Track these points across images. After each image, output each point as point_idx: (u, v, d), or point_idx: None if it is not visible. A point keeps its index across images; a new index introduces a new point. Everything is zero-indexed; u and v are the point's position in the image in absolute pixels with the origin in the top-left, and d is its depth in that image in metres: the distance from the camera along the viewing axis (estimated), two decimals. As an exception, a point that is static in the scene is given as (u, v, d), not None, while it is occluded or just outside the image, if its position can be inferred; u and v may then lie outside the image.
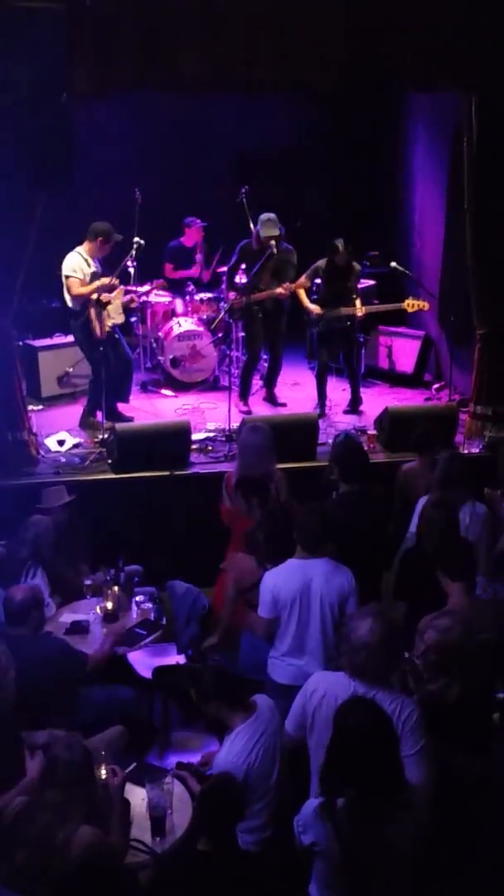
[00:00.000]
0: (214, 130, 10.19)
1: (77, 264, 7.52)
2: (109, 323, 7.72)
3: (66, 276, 7.48)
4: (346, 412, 8.44)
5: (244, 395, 8.34)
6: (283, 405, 8.53)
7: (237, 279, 8.29)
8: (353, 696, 3.52)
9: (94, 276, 7.61)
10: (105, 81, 6.23)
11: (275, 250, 7.81)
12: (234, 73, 6.46)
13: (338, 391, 8.70)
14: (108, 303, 7.58)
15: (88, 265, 7.59)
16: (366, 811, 3.07)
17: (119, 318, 7.98)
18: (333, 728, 3.23)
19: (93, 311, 7.50)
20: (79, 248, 7.60)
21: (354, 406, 8.48)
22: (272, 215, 7.89)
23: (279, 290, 7.97)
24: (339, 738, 3.16)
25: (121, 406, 8.09)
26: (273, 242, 7.83)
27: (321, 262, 8.16)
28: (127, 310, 8.37)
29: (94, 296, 7.50)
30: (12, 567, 5.38)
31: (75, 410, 8.19)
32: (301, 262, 8.18)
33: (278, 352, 8.43)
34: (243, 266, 8.19)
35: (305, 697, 3.74)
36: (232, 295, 8.19)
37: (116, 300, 7.78)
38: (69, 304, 7.60)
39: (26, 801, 3.48)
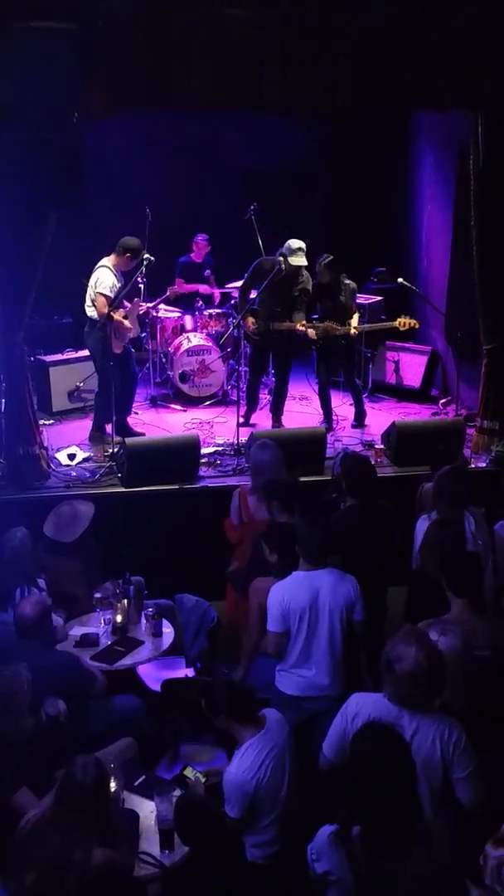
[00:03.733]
0: (223, 149, 10.25)
1: (111, 282, 7.53)
2: (128, 336, 7.76)
3: (99, 293, 7.48)
4: (353, 426, 8.43)
5: (249, 412, 8.25)
6: None
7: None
8: (390, 721, 3.43)
9: (121, 290, 7.64)
10: (116, 101, 6.24)
11: (283, 268, 7.75)
12: (242, 94, 6.47)
13: (344, 406, 8.69)
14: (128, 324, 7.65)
15: (118, 281, 7.63)
16: (381, 841, 2.97)
17: (136, 332, 7.99)
18: (350, 753, 3.17)
19: (111, 328, 7.51)
20: (107, 262, 7.62)
21: (360, 420, 8.48)
22: (301, 243, 7.69)
23: (299, 326, 7.80)
24: (356, 764, 3.08)
25: (130, 420, 8.10)
26: (282, 261, 7.76)
27: (312, 284, 8.14)
28: (141, 323, 8.36)
29: (118, 315, 7.53)
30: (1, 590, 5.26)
31: (86, 425, 8.20)
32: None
33: (285, 379, 8.28)
34: (255, 286, 8.02)
35: (346, 722, 3.59)
36: (250, 320, 7.92)
37: (132, 314, 7.80)
38: (90, 315, 7.60)
39: (38, 821, 3.41)
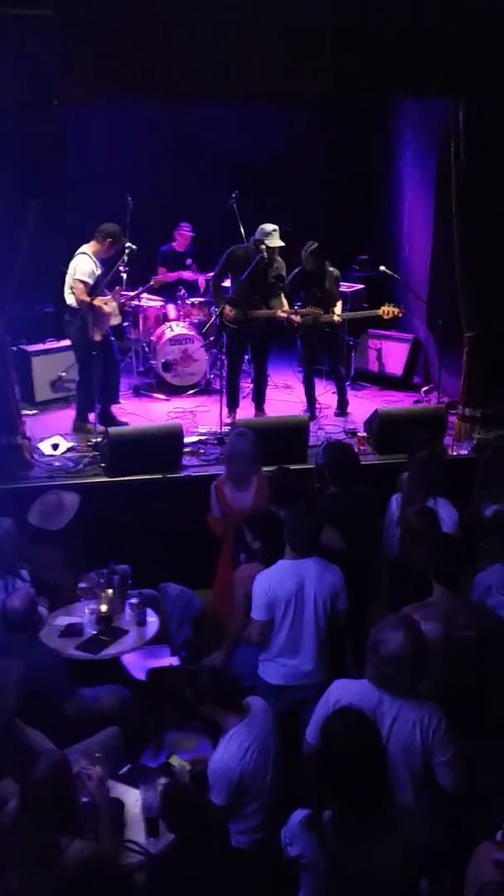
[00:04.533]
0: (205, 136, 10.18)
1: (89, 269, 7.49)
2: (108, 324, 7.73)
3: (77, 279, 7.44)
4: (336, 415, 8.44)
5: (232, 405, 8.17)
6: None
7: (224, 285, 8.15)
8: (371, 706, 3.45)
9: (101, 277, 7.61)
10: (96, 88, 6.21)
11: (265, 255, 7.73)
12: (224, 81, 6.45)
13: (328, 394, 8.70)
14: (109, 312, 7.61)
15: (96, 267, 7.59)
16: (351, 826, 2.99)
17: (116, 320, 7.94)
18: (320, 738, 3.19)
19: (90, 315, 7.48)
20: (86, 249, 7.57)
21: (342, 409, 8.49)
22: (274, 226, 7.66)
23: (281, 313, 7.78)
24: (325, 749, 3.10)
25: (114, 409, 8.07)
26: (264, 249, 7.73)
27: (295, 271, 8.15)
28: (123, 311, 8.30)
29: (97, 302, 7.51)
30: None
31: (69, 415, 8.16)
32: (290, 268, 8.18)
33: (263, 367, 8.23)
34: (229, 274, 7.99)
35: (328, 708, 3.57)
36: (228, 310, 7.82)
37: (113, 302, 7.76)
38: (70, 302, 7.57)
39: (10, 822, 3.38)
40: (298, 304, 8.22)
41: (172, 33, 6.21)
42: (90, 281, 7.49)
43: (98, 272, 7.59)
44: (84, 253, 7.56)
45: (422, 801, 3.53)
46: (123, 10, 6.12)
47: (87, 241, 7.65)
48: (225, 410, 7.90)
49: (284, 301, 7.98)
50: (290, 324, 8.01)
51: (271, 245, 7.59)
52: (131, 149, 9.97)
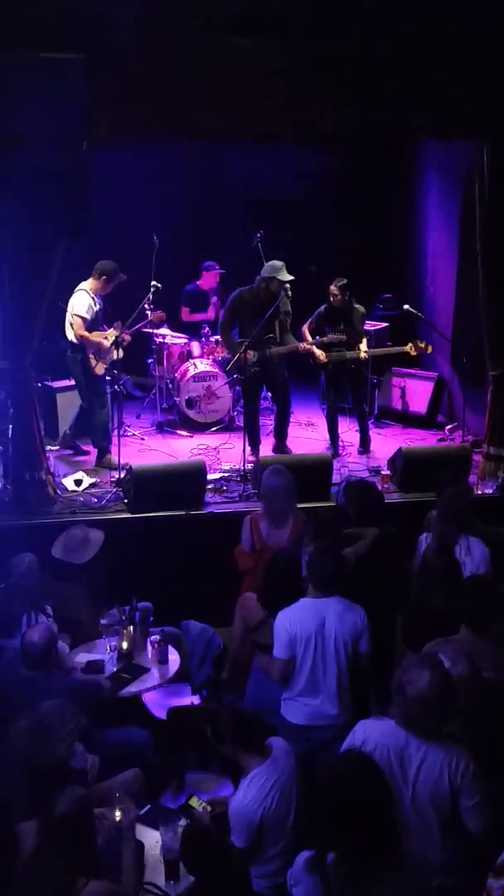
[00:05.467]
0: (228, 176, 10.31)
1: (87, 305, 7.70)
2: (110, 359, 7.85)
3: (76, 315, 7.62)
4: (359, 453, 8.43)
5: (255, 444, 8.13)
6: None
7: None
8: (398, 748, 3.40)
9: (100, 313, 7.81)
10: (123, 129, 6.32)
11: (290, 294, 7.79)
12: (246, 123, 6.55)
13: (350, 432, 8.69)
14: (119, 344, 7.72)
15: (95, 304, 7.77)
16: (354, 868, 2.95)
17: (115, 355, 7.89)
18: (325, 780, 3.16)
19: (91, 349, 7.71)
20: (84, 286, 7.78)
21: (365, 446, 8.48)
22: (282, 262, 7.74)
23: (302, 346, 7.88)
24: (328, 791, 3.06)
25: (113, 448, 8.00)
26: (288, 288, 7.79)
27: (322, 308, 8.20)
28: (120, 346, 8.20)
29: (95, 337, 7.71)
30: (6, 617, 5.24)
31: (92, 451, 8.21)
32: (315, 305, 8.21)
33: (286, 401, 8.20)
34: (236, 321, 7.98)
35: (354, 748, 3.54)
36: (250, 354, 7.71)
37: (112, 336, 7.85)
38: (70, 338, 7.72)
39: (27, 860, 3.34)
40: (317, 338, 8.24)
41: (197, 75, 6.31)
42: (88, 316, 7.69)
43: (97, 308, 7.77)
44: (82, 290, 7.76)
45: (447, 844, 3.46)
46: (150, 53, 6.23)
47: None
48: (248, 448, 7.90)
49: (309, 339, 8.04)
50: (315, 359, 8.03)
51: (284, 279, 7.68)
52: (157, 190, 10.09)
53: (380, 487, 6.58)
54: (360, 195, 10.32)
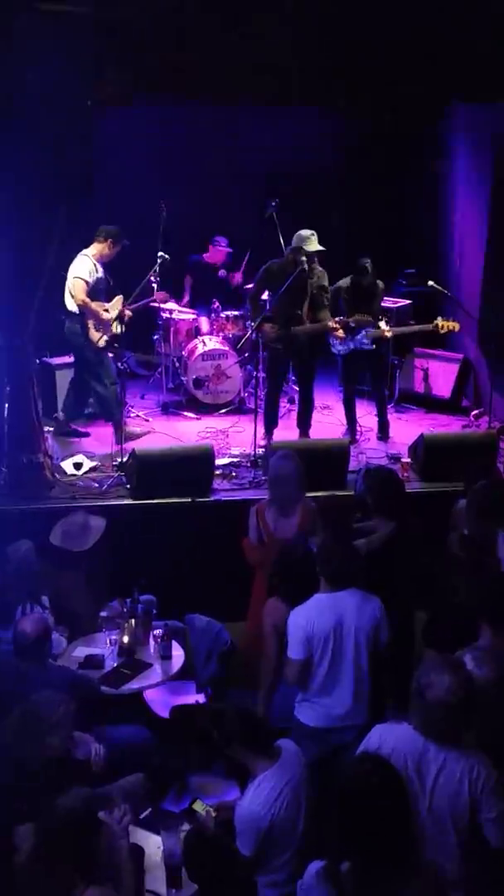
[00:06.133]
0: (243, 143, 10.23)
1: (89, 269, 7.72)
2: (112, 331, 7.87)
3: (77, 278, 7.62)
4: (378, 439, 8.42)
5: (270, 426, 8.13)
6: None
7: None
8: (415, 754, 3.40)
9: (101, 283, 7.79)
10: (132, 88, 6.30)
11: (306, 267, 7.72)
12: (264, 84, 6.51)
13: (369, 417, 8.68)
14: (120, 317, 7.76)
15: (97, 270, 7.79)
16: (370, 878, 2.95)
17: (116, 329, 7.89)
18: (339, 785, 3.16)
19: (92, 318, 7.74)
20: (87, 252, 7.77)
21: (384, 432, 8.47)
22: (313, 231, 7.63)
23: (332, 323, 7.68)
24: (343, 796, 3.07)
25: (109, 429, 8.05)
26: (305, 260, 7.71)
27: (344, 283, 8.16)
28: (124, 321, 8.20)
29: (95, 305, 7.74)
30: (1, 607, 5.25)
31: (94, 431, 8.22)
32: (331, 282, 8.19)
33: (309, 389, 8.15)
34: (268, 292, 7.97)
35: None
36: (267, 327, 7.75)
37: (114, 310, 7.85)
38: (70, 307, 7.74)
39: (23, 864, 3.36)
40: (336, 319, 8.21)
41: (209, 33, 6.28)
42: (90, 279, 7.69)
43: (98, 274, 7.78)
44: (85, 255, 7.78)
45: (465, 857, 3.45)
46: (162, 11, 6.20)
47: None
48: (261, 431, 7.91)
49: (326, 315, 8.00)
50: (334, 339, 8.02)
51: (309, 249, 7.56)
52: (166, 156, 10.05)
53: (400, 475, 6.56)
54: (384, 166, 10.25)
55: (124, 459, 7.31)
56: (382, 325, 8.17)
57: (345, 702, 4.53)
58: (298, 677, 4.58)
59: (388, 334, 8.15)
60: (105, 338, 7.81)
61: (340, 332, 7.85)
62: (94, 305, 7.71)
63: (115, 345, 7.90)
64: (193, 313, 9.46)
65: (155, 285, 8.47)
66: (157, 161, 9.96)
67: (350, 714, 4.53)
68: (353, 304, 8.14)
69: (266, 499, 5.97)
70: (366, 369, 8.41)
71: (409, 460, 7.61)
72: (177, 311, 9.32)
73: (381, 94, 6.67)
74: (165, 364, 9.38)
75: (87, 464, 7.47)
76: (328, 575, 4.65)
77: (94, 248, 7.81)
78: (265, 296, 8.02)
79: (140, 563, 6.29)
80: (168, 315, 9.20)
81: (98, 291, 7.80)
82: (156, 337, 9.40)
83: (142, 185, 9.41)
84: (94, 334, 7.74)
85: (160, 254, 8.02)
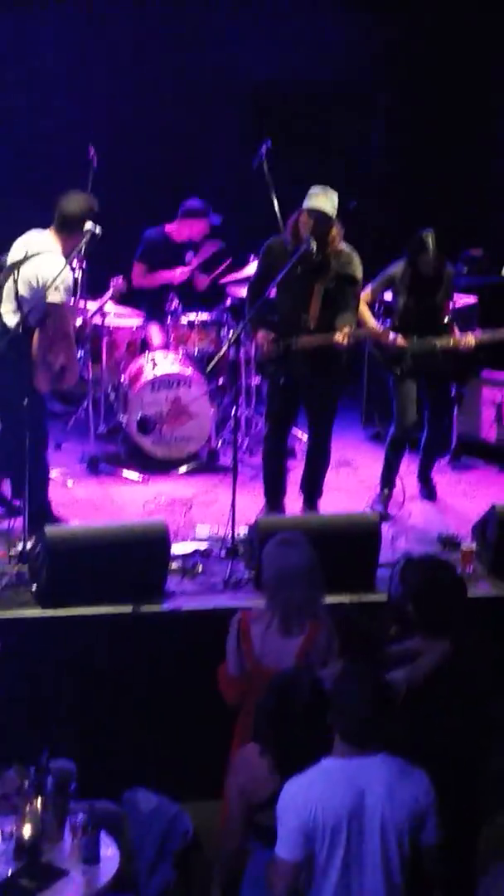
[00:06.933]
0: (217, 53, 10.39)
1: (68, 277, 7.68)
2: None
3: (58, 289, 7.55)
4: (423, 496, 8.64)
5: (275, 497, 8.22)
6: None
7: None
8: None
9: None
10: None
11: (313, 246, 7.75)
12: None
13: (410, 476, 8.77)
14: None
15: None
16: None
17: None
18: None
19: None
20: (50, 242, 7.68)
21: (428, 488, 8.69)
22: (324, 186, 7.64)
23: (339, 336, 7.63)
24: None
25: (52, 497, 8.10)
26: (311, 236, 7.74)
27: (397, 269, 8.29)
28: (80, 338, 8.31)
29: None
30: None
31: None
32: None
33: (325, 430, 8.20)
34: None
35: None
36: (261, 335, 7.83)
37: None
38: (8, 322, 7.68)
39: None
40: (385, 322, 8.32)
41: None
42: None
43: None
44: (51, 251, 7.63)
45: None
46: None
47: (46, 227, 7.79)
48: (248, 501, 8.01)
49: (369, 317, 8.13)
50: (384, 349, 8.19)
51: (313, 207, 7.57)
52: (98, 73, 10.19)
53: (459, 571, 6.58)
54: (435, 86, 10.42)
55: (28, 546, 7.30)
56: (457, 331, 8.29)
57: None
58: (289, 888, 4.56)
59: (467, 345, 8.30)
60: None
61: (400, 340, 8.02)
62: None
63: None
64: (139, 317, 9.51)
65: (78, 275, 8.49)
66: (84, 78, 10.08)
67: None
68: (408, 299, 8.30)
69: (255, 607, 5.95)
70: (424, 400, 8.56)
71: (473, 547, 7.63)
72: (112, 314, 9.36)
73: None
74: (94, 396, 9.41)
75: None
76: (345, 730, 4.63)
77: (55, 236, 7.78)
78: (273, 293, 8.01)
79: (51, 709, 6.27)
80: (99, 320, 9.26)
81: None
82: (80, 353, 9.43)
83: (59, 116, 9.52)
84: (41, 373, 7.69)
85: (87, 226, 8.08)
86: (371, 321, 8.24)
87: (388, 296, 8.55)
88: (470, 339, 8.31)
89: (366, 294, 8.23)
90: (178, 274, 9.71)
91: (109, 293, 8.97)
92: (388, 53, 10.54)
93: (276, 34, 10.12)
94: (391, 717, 4.70)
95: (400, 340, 8.12)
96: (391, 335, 8.18)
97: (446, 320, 8.43)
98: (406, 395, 8.43)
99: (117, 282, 9.00)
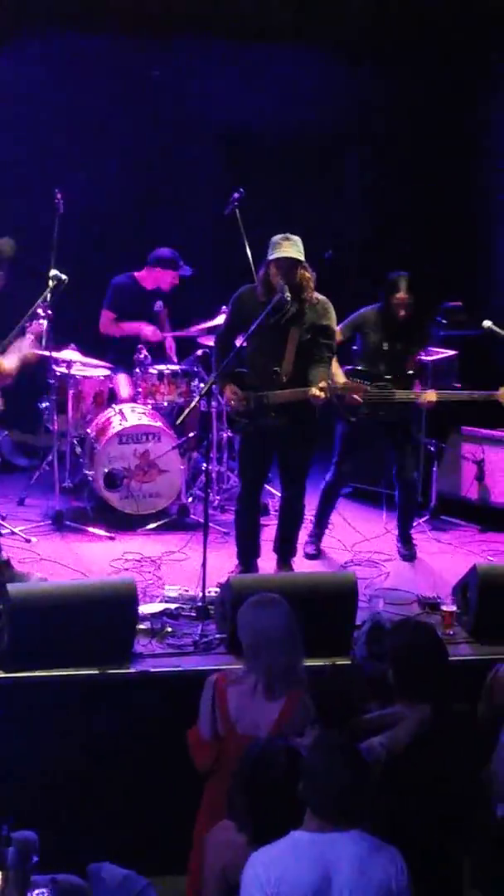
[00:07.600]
0: (195, 99, 10.44)
1: None
2: None
3: None
4: (402, 556, 8.60)
5: (248, 555, 8.18)
6: None
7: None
8: None
9: None
10: (13, 21, 6.43)
11: (287, 296, 7.76)
12: (230, 16, 6.65)
13: (390, 535, 8.76)
14: None
15: None
16: None
17: None
18: None
19: None
20: None
21: (408, 549, 8.68)
22: (295, 237, 7.63)
23: (315, 391, 7.57)
24: None
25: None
26: (286, 286, 7.74)
27: (368, 313, 8.32)
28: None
29: None
30: None
31: None
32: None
33: (299, 487, 8.19)
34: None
35: None
36: (229, 391, 7.77)
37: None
38: None
39: None
40: (347, 368, 8.30)
41: None
42: None
43: None
44: None
45: None
46: None
47: None
48: (219, 561, 7.97)
49: (339, 371, 8.13)
50: (342, 401, 8.16)
51: (280, 255, 7.55)
52: (67, 118, 10.23)
53: (440, 633, 6.56)
54: (412, 134, 10.48)
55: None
56: (418, 388, 8.34)
57: None
58: None
59: (429, 401, 8.31)
60: None
61: (356, 394, 7.98)
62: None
63: None
64: (107, 367, 9.51)
65: (44, 323, 8.48)
66: (52, 123, 10.12)
67: None
68: (377, 346, 8.33)
69: (232, 668, 5.92)
70: (386, 454, 8.56)
71: (453, 608, 7.62)
72: (79, 365, 9.35)
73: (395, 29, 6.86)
74: (60, 449, 9.39)
75: None
76: (316, 804, 4.58)
77: None
78: (240, 340, 8.00)
79: (11, 777, 6.23)
80: (65, 370, 9.23)
81: None
82: (44, 405, 9.40)
83: (26, 161, 9.54)
84: None
85: (53, 272, 8.09)
86: (341, 376, 8.20)
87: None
88: (431, 395, 8.33)
89: (338, 375, 8.23)
90: (151, 333, 9.71)
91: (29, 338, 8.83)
92: (363, 101, 10.61)
93: (249, 89, 10.19)
94: (365, 792, 4.65)
95: (356, 396, 8.10)
96: (364, 388, 8.16)
97: (411, 372, 8.44)
98: (352, 443, 8.51)
99: (36, 325, 8.88)
